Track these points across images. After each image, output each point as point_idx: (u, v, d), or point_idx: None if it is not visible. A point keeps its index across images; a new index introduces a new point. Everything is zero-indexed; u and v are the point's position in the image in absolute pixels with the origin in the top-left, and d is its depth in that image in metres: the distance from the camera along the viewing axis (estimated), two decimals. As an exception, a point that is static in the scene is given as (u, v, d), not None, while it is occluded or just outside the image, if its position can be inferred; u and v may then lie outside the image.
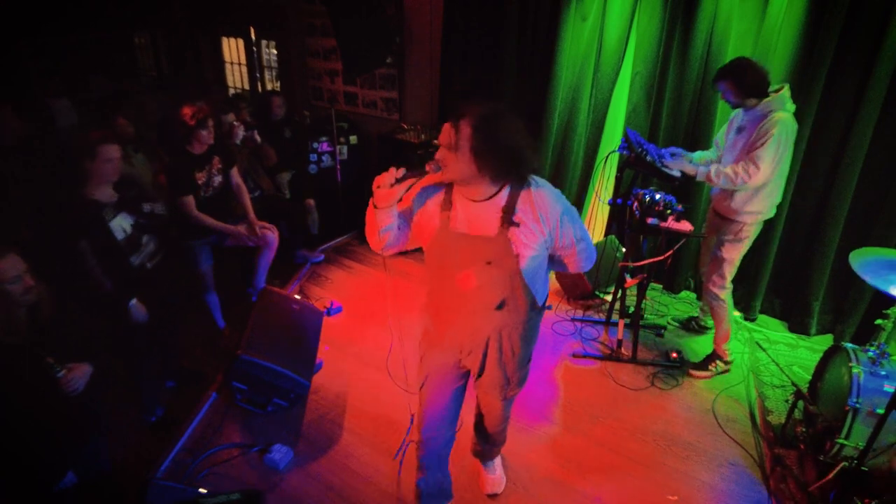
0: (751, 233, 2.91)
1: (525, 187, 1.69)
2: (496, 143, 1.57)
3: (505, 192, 1.69)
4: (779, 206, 2.93)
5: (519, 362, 1.95)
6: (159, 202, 2.87)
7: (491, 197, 1.69)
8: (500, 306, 1.80)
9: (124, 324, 2.58)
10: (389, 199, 1.68)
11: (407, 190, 1.75)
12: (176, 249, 3.17)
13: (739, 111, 2.82)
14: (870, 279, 2.23)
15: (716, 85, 2.76)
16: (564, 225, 1.73)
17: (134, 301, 2.58)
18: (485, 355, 1.91)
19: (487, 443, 2.40)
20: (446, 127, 1.62)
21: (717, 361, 3.19)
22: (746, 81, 2.64)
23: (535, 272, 1.78)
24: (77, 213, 2.46)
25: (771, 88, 2.67)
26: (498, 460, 2.52)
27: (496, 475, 2.48)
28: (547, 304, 2.00)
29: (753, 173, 2.65)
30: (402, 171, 1.66)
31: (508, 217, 1.67)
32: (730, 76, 2.68)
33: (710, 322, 3.52)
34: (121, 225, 2.60)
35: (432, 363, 2.00)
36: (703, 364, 3.22)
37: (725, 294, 3.03)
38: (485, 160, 1.59)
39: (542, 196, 1.69)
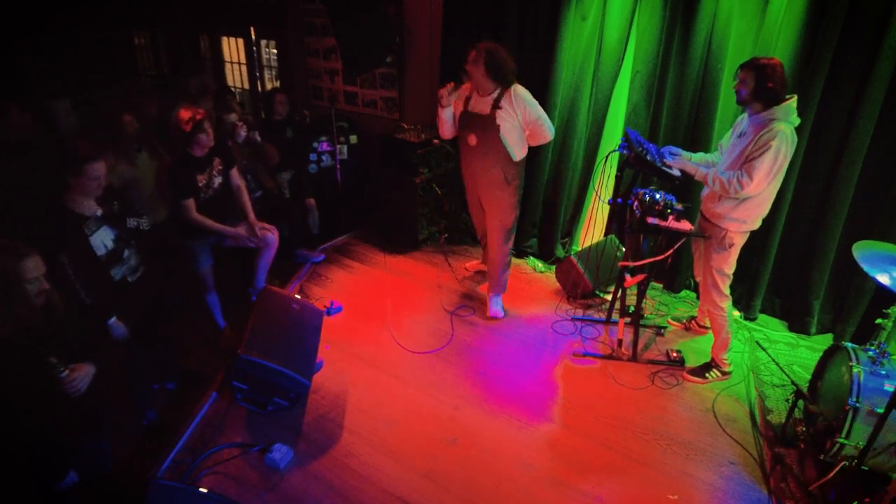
0: (735, 241, 2.86)
1: (508, 89, 3.19)
2: (496, 63, 3.10)
3: (497, 91, 3.20)
4: (779, 206, 2.91)
5: (502, 204, 3.44)
6: (144, 217, 2.83)
7: (490, 93, 3.21)
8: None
9: (107, 338, 2.55)
10: (446, 100, 3.31)
11: (452, 94, 3.30)
12: (167, 256, 3.15)
13: (744, 116, 2.78)
14: (869, 269, 2.24)
15: (738, 71, 2.66)
16: (527, 110, 3.21)
17: (113, 319, 2.55)
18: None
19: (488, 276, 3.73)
20: (472, 53, 3.12)
21: (715, 370, 3.17)
22: (767, 82, 2.55)
23: (509, 135, 3.24)
24: (58, 225, 2.42)
25: None
26: (498, 298, 3.77)
27: (495, 308, 3.74)
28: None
29: (745, 184, 2.61)
30: (451, 85, 3.28)
31: (496, 104, 3.19)
32: (756, 70, 2.58)
33: (709, 323, 3.51)
34: (102, 240, 2.56)
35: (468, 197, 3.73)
36: (700, 371, 3.19)
37: (725, 303, 3.00)
38: (489, 71, 3.12)
39: (517, 94, 3.19)
